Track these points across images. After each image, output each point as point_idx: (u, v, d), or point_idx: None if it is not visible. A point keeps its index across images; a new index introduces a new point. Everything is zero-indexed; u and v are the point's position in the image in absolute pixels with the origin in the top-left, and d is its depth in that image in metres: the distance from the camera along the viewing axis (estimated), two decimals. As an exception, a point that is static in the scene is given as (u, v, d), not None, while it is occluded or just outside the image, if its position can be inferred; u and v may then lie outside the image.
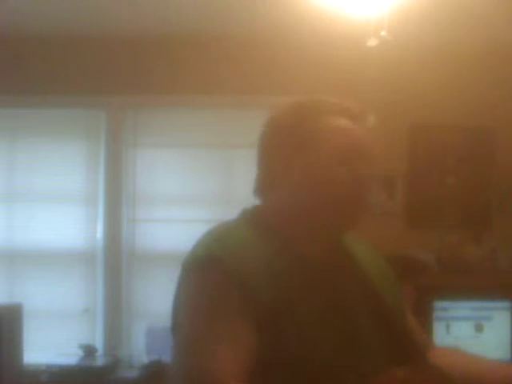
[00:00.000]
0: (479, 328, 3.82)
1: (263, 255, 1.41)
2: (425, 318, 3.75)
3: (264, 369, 1.31)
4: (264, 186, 1.56)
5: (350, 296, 1.48)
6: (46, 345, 4.18)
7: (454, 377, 1.37)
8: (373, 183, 1.53)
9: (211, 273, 1.37)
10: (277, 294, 1.35)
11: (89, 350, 4.07)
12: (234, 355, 1.29)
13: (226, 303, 1.34)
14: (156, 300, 4.14)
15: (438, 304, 3.82)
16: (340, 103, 1.55)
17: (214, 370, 1.27)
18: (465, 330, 3.82)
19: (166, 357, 3.87)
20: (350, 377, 1.37)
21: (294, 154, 1.50)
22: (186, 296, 1.41)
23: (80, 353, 4.04)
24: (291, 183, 1.50)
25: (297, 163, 1.50)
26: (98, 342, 4.23)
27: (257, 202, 1.63)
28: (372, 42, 2.98)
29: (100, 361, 4.05)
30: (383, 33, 2.90)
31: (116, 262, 4.29)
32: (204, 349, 1.30)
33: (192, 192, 4.29)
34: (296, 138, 1.51)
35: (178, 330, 1.41)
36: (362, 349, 1.42)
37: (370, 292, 1.51)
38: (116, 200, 4.31)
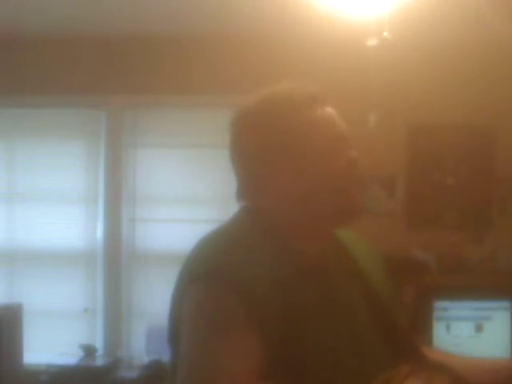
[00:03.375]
0: (479, 328, 3.82)
1: (266, 265, 1.36)
2: (425, 318, 3.75)
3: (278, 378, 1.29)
4: (249, 189, 1.51)
5: (348, 293, 1.47)
6: (46, 345, 4.18)
7: (457, 371, 1.37)
8: (361, 166, 1.47)
9: (216, 288, 1.33)
10: (283, 304, 1.32)
11: (89, 350, 4.07)
12: (245, 368, 1.27)
13: (233, 318, 1.30)
14: (156, 300, 4.14)
15: (438, 304, 3.82)
16: (307, 91, 1.50)
17: (225, 378, 1.26)
18: (465, 330, 3.81)
19: (166, 357, 3.86)
20: (355, 375, 1.36)
21: (281, 153, 1.45)
22: (189, 310, 1.36)
23: (80, 353, 4.04)
24: (284, 183, 1.45)
25: (287, 162, 1.45)
26: (98, 342, 4.24)
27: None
28: (372, 42, 2.98)
29: (100, 361, 4.05)
30: (384, 33, 2.90)
31: (116, 261, 4.29)
32: (214, 363, 1.27)
33: (192, 192, 4.29)
34: (279, 136, 1.45)
35: (182, 342, 1.36)
36: (363, 346, 1.42)
37: (367, 288, 1.50)
38: (116, 200, 4.31)
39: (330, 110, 1.49)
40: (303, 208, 1.45)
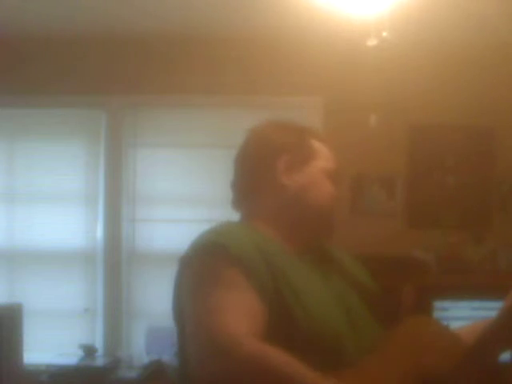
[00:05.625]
0: (479, 328, 3.81)
1: (257, 243, 1.54)
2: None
3: (275, 339, 1.40)
4: (246, 196, 1.79)
5: (333, 276, 1.66)
6: (46, 345, 4.18)
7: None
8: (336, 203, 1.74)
9: (217, 256, 1.49)
10: (274, 274, 1.49)
11: (89, 350, 4.07)
12: (248, 321, 1.40)
13: (234, 280, 1.45)
14: (156, 300, 4.14)
15: (438, 304, 3.82)
16: (314, 130, 1.79)
17: (231, 331, 1.36)
18: (465, 330, 3.81)
19: (166, 357, 3.87)
20: (349, 343, 1.51)
21: (291, 168, 1.68)
22: (193, 278, 1.50)
23: (80, 353, 4.04)
24: (285, 193, 1.68)
25: (294, 177, 1.68)
26: (98, 342, 4.23)
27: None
28: (372, 42, 2.98)
29: (100, 361, 4.05)
30: (384, 33, 2.90)
31: (116, 261, 4.29)
32: (219, 317, 1.39)
33: (192, 192, 4.29)
34: (294, 155, 1.69)
35: (186, 308, 1.49)
36: (354, 318, 1.58)
37: (347, 273, 1.70)
38: (116, 200, 4.31)
39: (327, 147, 1.76)
40: (291, 226, 1.67)
